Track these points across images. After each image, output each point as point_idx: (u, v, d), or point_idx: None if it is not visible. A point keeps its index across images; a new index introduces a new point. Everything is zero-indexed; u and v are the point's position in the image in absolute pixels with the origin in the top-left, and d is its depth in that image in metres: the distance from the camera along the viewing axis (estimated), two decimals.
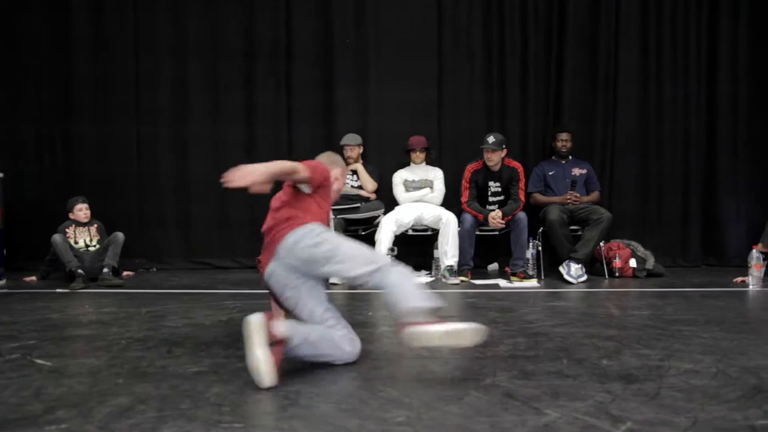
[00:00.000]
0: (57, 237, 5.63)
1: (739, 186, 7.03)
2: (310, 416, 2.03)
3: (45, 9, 6.73)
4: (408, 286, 2.53)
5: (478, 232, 6.08)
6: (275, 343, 2.38)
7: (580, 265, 5.74)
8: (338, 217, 6.03)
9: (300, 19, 6.88)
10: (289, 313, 2.80)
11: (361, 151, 6.48)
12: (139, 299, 4.67)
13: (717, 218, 7.07)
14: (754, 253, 5.42)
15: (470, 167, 6.13)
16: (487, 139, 5.97)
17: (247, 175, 2.52)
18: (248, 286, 5.46)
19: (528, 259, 5.85)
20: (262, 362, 2.29)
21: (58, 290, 5.22)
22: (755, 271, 5.37)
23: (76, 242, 5.83)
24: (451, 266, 5.74)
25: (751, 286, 5.35)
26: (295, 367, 2.64)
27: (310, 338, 2.53)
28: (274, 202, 2.98)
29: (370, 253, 2.68)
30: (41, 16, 6.72)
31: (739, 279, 5.59)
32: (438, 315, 2.52)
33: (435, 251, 6.02)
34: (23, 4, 6.70)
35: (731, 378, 2.46)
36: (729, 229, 7.02)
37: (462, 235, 5.88)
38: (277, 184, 2.76)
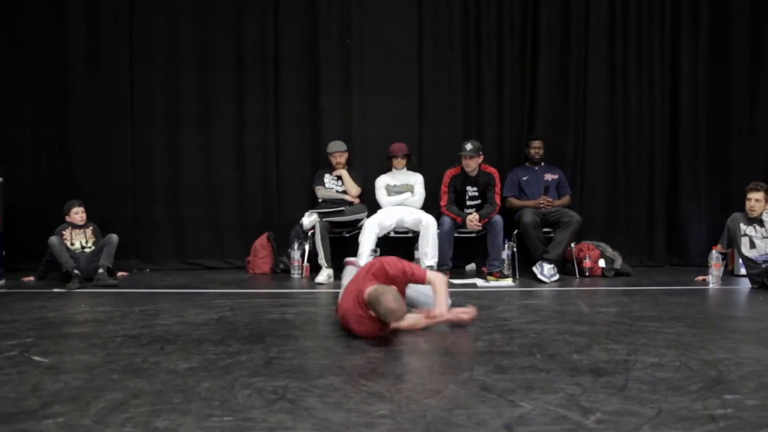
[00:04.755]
0: (54, 239, 5.56)
1: (700, 191, 7.10)
2: (297, 410, 2.02)
3: (44, 20, 6.63)
4: None
5: (456, 234, 6.09)
6: None
7: (552, 265, 5.77)
8: (323, 219, 6.01)
9: (287, 31, 6.85)
10: None
11: (346, 157, 6.50)
12: (132, 298, 4.63)
13: (680, 221, 7.13)
14: (714, 253, 5.49)
15: (449, 173, 6.16)
16: (465, 146, 6.00)
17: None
18: (237, 286, 5.44)
19: (503, 260, 5.86)
20: None
21: (55, 290, 5.16)
22: (715, 270, 5.44)
23: (72, 244, 5.76)
24: (431, 266, 5.74)
25: (711, 285, 5.41)
26: (282, 364, 2.63)
27: None
28: None
29: None
30: (40, 27, 6.63)
31: (700, 278, 5.65)
32: None
33: (416, 252, 6.02)
34: (23, 16, 6.62)
35: (693, 371, 2.49)
36: (691, 231, 7.09)
37: (441, 237, 5.89)
38: None
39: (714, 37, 7.08)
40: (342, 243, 6.22)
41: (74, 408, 2.05)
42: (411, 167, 6.44)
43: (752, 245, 5.35)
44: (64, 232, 5.77)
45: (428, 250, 5.81)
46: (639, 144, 7.09)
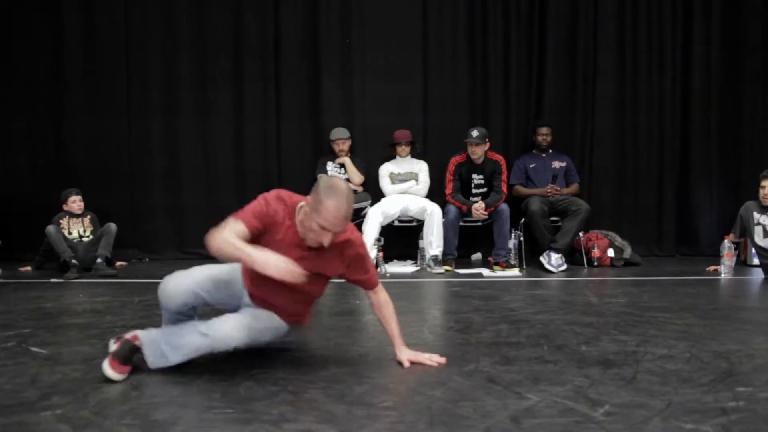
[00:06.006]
0: (51, 228, 5.57)
1: (712, 179, 7.09)
2: (299, 402, 2.02)
3: (37, 8, 6.64)
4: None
5: (461, 223, 6.09)
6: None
7: (560, 255, 5.76)
8: None
9: (287, 16, 6.83)
10: None
11: (349, 144, 6.48)
12: (131, 288, 4.64)
13: (691, 210, 7.13)
14: (726, 243, 5.47)
15: (454, 160, 6.15)
16: (471, 132, 5.98)
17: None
18: None
19: (510, 249, 5.87)
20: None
21: (52, 280, 5.17)
22: (727, 260, 5.42)
23: (69, 233, 5.77)
24: (436, 256, 5.75)
25: (723, 275, 5.40)
26: (284, 355, 2.63)
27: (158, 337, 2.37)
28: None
29: None
30: (34, 15, 6.63)
31: (712, 268, 5.64)
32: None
33: (420, 241, 6.02)
34: (18, 3, 6.61)
35: (703, 362, 2.49)
36: (702, 220, 7.08)
37: (446, 226, 5.89)
38: None
39: (726, 21, 7.03)
40: None
41: (73, 400, 2.05)
42: (415, 155, 6.43)
43: (766, 234, 5.32)
44: (61, 221, 5.78)
45: (433, 240, 5.81)
46: (649, 131, 7.07)
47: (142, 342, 2.34)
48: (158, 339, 2.36)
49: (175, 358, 2.33)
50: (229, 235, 2.32)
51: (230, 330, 2.28)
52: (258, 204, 2.40)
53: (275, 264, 2.16)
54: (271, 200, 2.40)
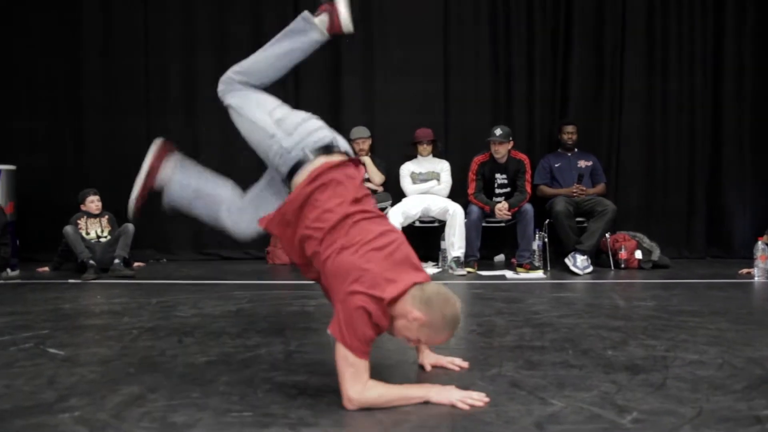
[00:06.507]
0: (69, 228, 5.64)
1: (745, 178, 6.98)
2: (318, 406, 2.03)
3: (57, 7, 6.74)
4: None
5: (484, 224, 6.07)
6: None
7: (585, 257, 5.71)
8: None
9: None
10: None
11: (370, 143, 6.49)
12: (149, 290, 4.68)
13: (722, 210, 7.02)
14: (760, 244, 5.39)
15: (477, 159, 6.13)
16: (494, 131, 5.96)
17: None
18: (257, 277, 5.47)
19: (534, 251, 5.83)
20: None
21: (70, 281, 5.24)
22: (761, 263, 5.33)
23: (87, 233, 5.84)
24: (458, 257, 5.73)
25: (756, 278, 5.31)
26: (303, 359, 2.64)
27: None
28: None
29: None
30: (53, 14, 6.73)
31: (745, 270, 5.56)
32: None
33: (442, 243, 6.01)
34: (36, 3, 6.71)
35: (736, 369, 2.45)
36: (734, 220, 6.98)
37: (469, 227, 5.87)
38: None
39: (760, 14, 6.91)
40: None
41: (90, 402, 2.08)
42: (437, 154, 6.41)
43: None
44: (79, 222, 5.85)
45: (455, 241, 5.79)
46: (679, 128, 6.98)
47: (174, 181, 2.95)
48: (187, 195, 2.98)
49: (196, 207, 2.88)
50: (372, 389, 2.05)
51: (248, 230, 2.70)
52: (366, 330, 2.06)
53: (444, 397, 2.06)
54: (375, 314, 2.05)
